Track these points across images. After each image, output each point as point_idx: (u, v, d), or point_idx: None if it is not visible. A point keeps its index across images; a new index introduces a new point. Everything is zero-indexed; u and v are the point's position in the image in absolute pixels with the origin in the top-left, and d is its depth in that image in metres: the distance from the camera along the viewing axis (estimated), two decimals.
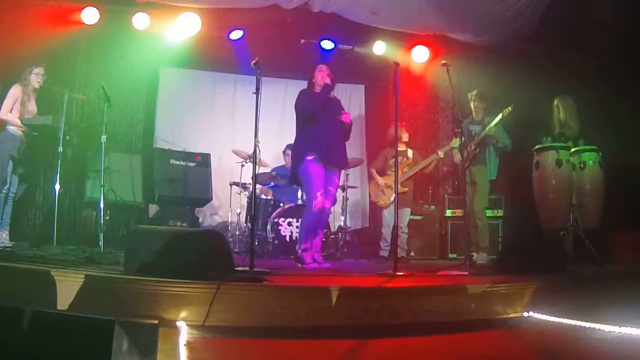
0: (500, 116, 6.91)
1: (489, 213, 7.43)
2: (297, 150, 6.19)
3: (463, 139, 6.64)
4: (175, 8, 8.11)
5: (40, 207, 8.04)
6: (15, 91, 6.65)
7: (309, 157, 5.99)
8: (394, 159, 7.98)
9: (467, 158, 7.03)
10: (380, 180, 8.10)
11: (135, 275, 3.95)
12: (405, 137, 8.07)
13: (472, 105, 7.47)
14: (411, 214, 8.64)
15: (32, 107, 6.79)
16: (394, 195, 7.84)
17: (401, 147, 7.93)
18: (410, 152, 8.12)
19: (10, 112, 6.61)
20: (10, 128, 6.60)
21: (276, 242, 7.64)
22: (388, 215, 8.09)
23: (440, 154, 7.98)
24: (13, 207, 6.86)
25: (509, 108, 6.88)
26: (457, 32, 8.65)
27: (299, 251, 6.08)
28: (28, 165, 6.96)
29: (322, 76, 6.22)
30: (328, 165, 6.08)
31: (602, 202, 6.77)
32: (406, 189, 7.91)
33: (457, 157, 7.48)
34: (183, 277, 3.72)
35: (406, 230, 8.04)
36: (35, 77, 6.75)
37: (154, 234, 4.46)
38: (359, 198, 9.92)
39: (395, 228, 5.80)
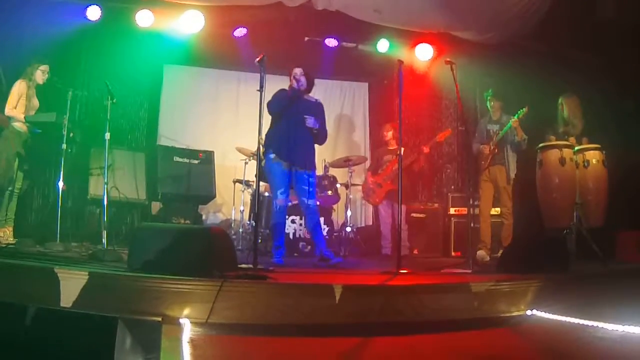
0: (516, 116, 6.93)
1: (492, 211, 7.44)
2: (264, 147, 6.23)
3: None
4: (178, 5, 8.12)
5: (43, 204, 8.06)
6: (20, 87, 6.65)
7: (271, 155, 6.14)
8: (384, 158, 8.06)
9: (487, 157, 7.10)
10: (370, 179, 8.12)
11: (138, 272, 3.95)
12: (389, 135, 8.08)
13: (489, 105, 7.50)
14: (414, 212, 8.66)
15: (36, 101, 6.81)
16: (385, 192, 7.89)
17: (392, 146, 7.98)
18: (402, 150, 8.07)
19: (15, 108, 6.62)
20: (15, 124, 6.61)
21: None
22: (383, 213, 8.11)
23: (425, 149, 8.00)
24: (17, 203, 6.87)
25: (524, 109, 6.90)
26: (461, 30, 8.63)
27: (272, 248, 6.25)
28: (32, 161, 6.97)
29: (292, 80, 6.35)
30: (291, 166, 6.16)
31: (605, 201, 6.76)
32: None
33: (475, 149, 7.48)
34: (186, 275, 3.72)
35: (404, 228, 8.01)
36: (41, 74, 6.77)
37: (157, 232, 4.47)
38: (359, 196, 9.93)
39: (398, 226, 5.79)
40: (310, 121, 6.18)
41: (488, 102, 7.53)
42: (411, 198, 8.78)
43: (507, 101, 7.51)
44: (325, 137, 6.51)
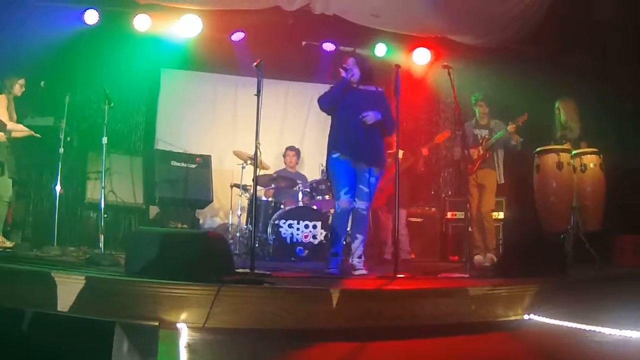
0: (514, 124, 6.96)
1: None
2: (327, 147, 5.92)
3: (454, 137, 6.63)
4: (176, 9, 8.13)
5: (41, 209, 8.06)
6: (1, 101, 6.66)
7: (334, 155, 5.76)
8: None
9: (476, 161, 7.10)
10: None
11: (135, 277, 3.95)
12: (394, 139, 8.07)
13: (477, 110, 7.52)
14: (411, 216, 8.66)
15: (14, 114, 6.81)
16: (387, 197, 7.88)
17: (391, 149, 7.96)
18: (400, 153, 8.04)
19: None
20: None
21: (277, 244, 7.64)
22: (383, 218, 8.13)
23: (424, 151, 8.01)
24: (13, 209, 6.88)
25: (524, 116, 6.94)
26: (458, 35, 8.66)
27: (328, 255, 5.89)
28: (28, 170, 6.99)
29: (341, 71, 5.87)
30: (356, 163, 5.75)
31: (602, 205, 6.76)
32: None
33: (457, 153, 7.51)
34: (183, 279, 3.72)
35: (404, 232, 8.02)
36: (20, 88, 6.80)
37: (154, 236, 4.46)
38: None
39: (396, 230, 5.77)
40: (369, 117, 5.62)
41: (476, 105, 7.54)
42: (411, 202, 8.78)
43: (504, 105, 7.54)
44: (392, 127, 5.86)
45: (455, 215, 8.71)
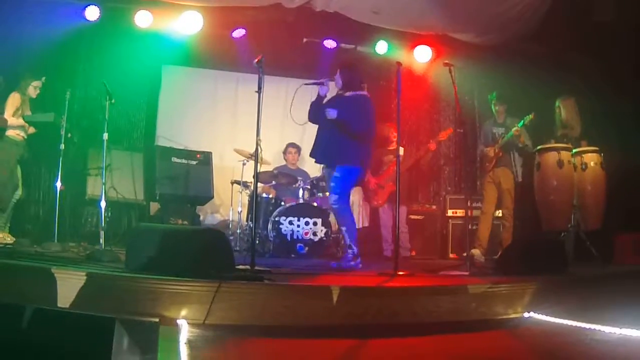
0: (520, 124, 6.95)
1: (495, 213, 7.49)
2: None
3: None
4: (177, 6, 8.11)
5: (41, 205, 8.06)
6: (14, 99, 6.67)
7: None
8: (384, 159, 8.05)
9: (492, 159, 7.11)
10: (371, 180, 8.08)
11: (136, 273, 3.95)
12: (393, 136, 8.06)
13: (493, 108, 7.53)
14: (412, 214, 8.65)
15: (28, 113, 6.82)
16: (388, 194, 7.87)
17: (392, 146, 7.97)
18: (401, 150, 8.06)
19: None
20: (11, 134, 6.62)
21: (277, 240, 7.64)
22: (383, 215, 8.11)
23: (432, 145, 8.03)
24: (14, 208, 6.91)
25: (530, 116, 6.93)
26: (460, 32, 8.63)
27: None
28: (30, 163, 7.00)
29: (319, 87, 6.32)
30: (327, 166, 6.26)
31: (603, 204, 6.77)
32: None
33: (480, 151, 7.60)
34: (184, 276, 3.72)
35: (405, 229, 8.02)
36: (34, 90, 6.83)
37: (155, 232, 4.46)
38: (358, 197, 9.91)
39: (396, 227, 5.77)
40: (327, 113, 5.93)
41: (492, 105, 7.56)
42: (412, 199, 8.77)
43: (505, 103, 7.53)
44: (355, 128, 5.91)
45: (456, 212, 8.68)
